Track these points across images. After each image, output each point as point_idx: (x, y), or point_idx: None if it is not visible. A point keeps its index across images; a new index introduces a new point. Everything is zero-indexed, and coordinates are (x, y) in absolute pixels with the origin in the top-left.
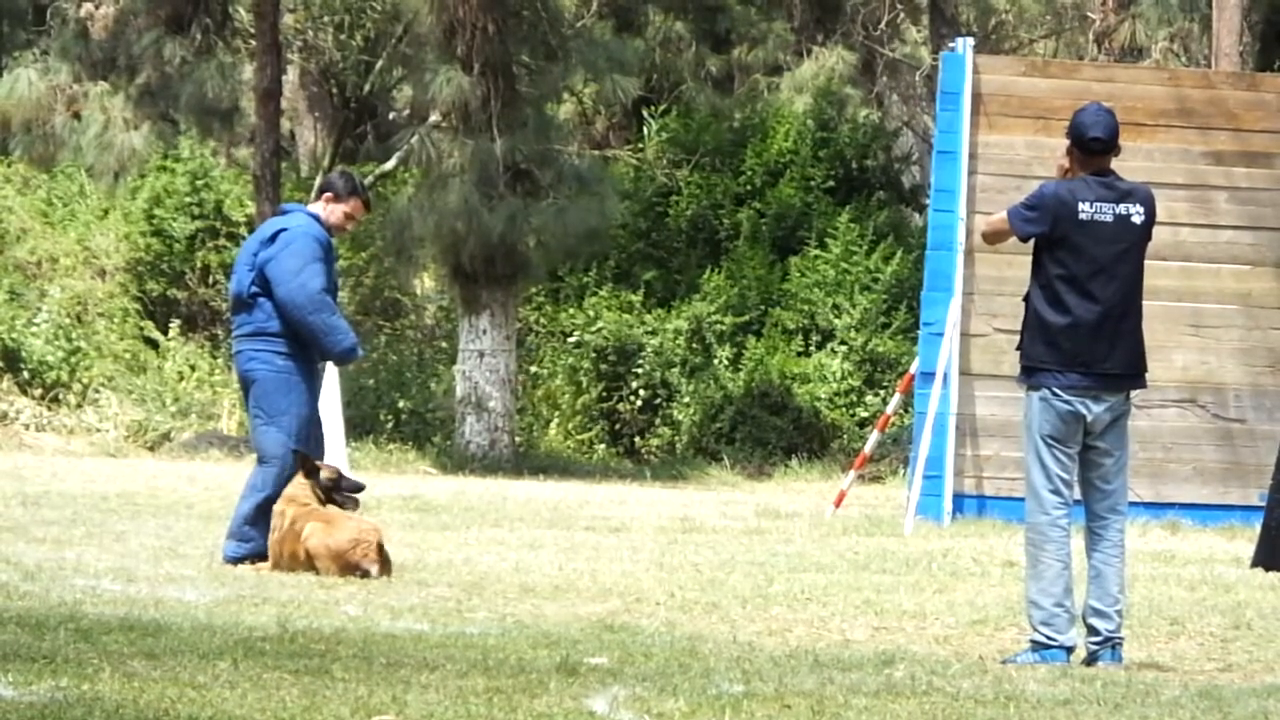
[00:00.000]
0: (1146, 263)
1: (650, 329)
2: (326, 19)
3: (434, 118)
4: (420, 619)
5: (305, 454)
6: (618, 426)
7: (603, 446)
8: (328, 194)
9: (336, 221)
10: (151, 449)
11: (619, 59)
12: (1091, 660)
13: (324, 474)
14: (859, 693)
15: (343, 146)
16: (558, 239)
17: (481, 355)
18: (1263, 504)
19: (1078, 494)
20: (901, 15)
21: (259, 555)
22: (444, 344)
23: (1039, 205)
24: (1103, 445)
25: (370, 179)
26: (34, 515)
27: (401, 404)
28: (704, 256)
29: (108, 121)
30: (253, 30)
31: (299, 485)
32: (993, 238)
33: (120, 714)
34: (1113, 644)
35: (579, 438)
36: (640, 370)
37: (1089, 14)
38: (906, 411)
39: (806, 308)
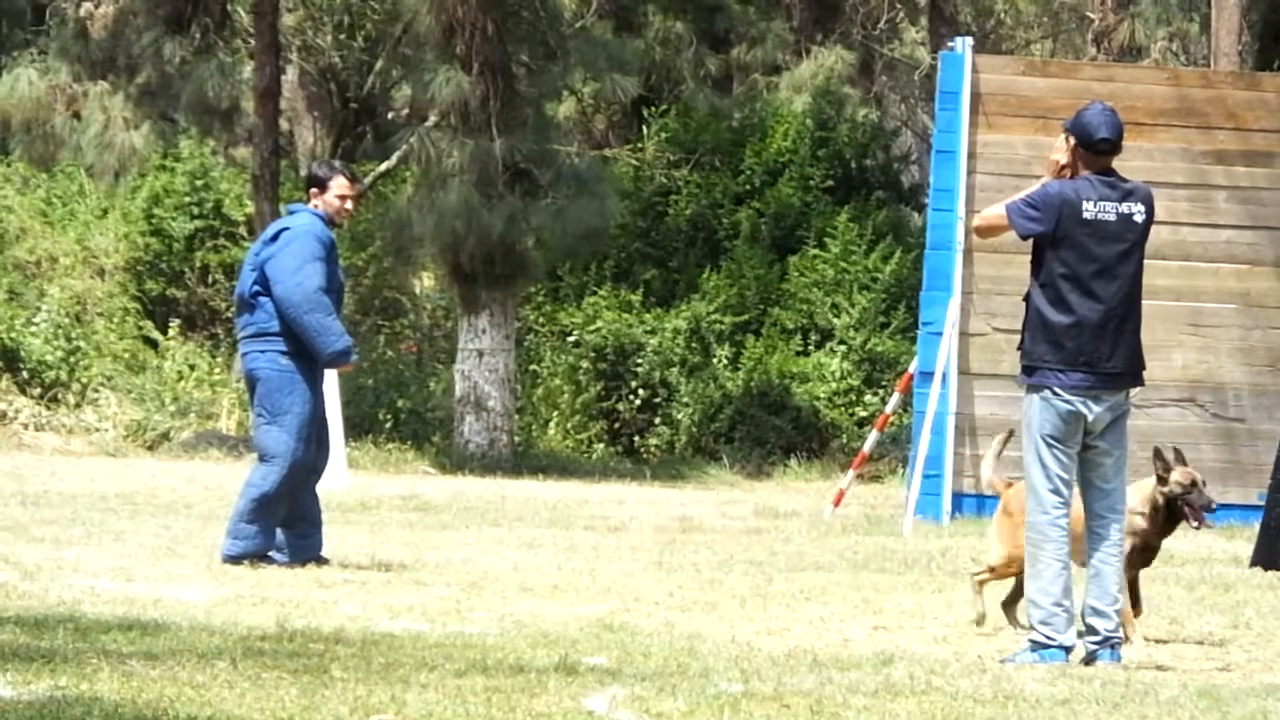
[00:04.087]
0: (1146, 262)
1: (649, 328)
2: (326, 19)
3: (433, 117)
4: (419, 618)
5: (1165, 456)
6: (617, 426)
7: (602, 446)
8: (313, 189)
9: (335, 209)
10: (150, 448)
11: (618, 58)
12: (1090, 659)
13: (1175, 478)
14: (858, 692)
15: (342, 146)
16: (557, 238)
17: (480, 355)
18: (1262, 503)
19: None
20: (900, 15)
21: (257, 553)
22: (443, 343)
23: (1043, 205)
24: (1102, 445)
25: (370, 179)
26: (33, 515)
27: (400, 403)
28: (703, 256)
29: (107, 121)
30: (252, 30)
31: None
32: (987, 232)
33: (119, 713)
34: (1111, 643)
35: (578, 437)
36: (639, 370)
37: (1088, 14)
38: (905, 411)
39: (805, 307)
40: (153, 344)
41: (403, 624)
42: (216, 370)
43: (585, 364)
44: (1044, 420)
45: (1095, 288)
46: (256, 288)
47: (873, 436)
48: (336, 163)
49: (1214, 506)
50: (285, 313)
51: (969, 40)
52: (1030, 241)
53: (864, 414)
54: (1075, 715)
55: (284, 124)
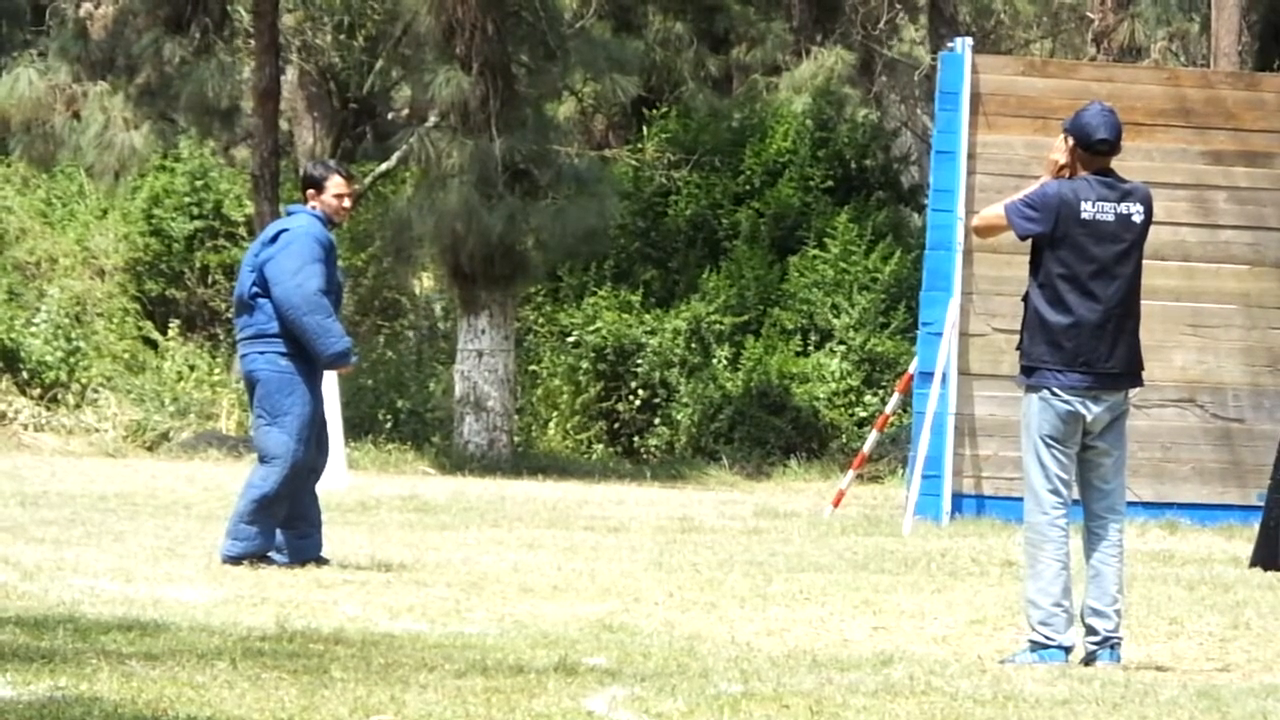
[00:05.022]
0: (1146, 262)
1: (649, 329)
2: (326, 19)
3: (433, 118)
4: (419, 619)
5: None
6: (616, 426)
7: (601, 446)
8: (310, 190)
9: (334, 209)
10: (150, 449)
11: (618, 59)
12: (1090, 660)
13: None
14: (857, 692)
15: (341, 146)
16: (556, 239)
17: (480, 355)
18: (1261, 504)
19: (1076, 494)
20: (900, 15)
21: (257, 554)
22: (443, 344)
23: (1041, 205)
24: (1101, 445)
25: (369, 179)
26: (33, 515)
27: (400, 404)
28: (703, 256)
29: (107, 121)
30: (252, 30)
31: None
32: (985, 231)
33: (119, 713)
34: (1111, 644)
35: (578, 437)
36: (639, 370)
37: (1088, 14)
38: (905, 411)
39: (805, 307)
40: (152, 344)
41: (402, 624)
42: (216, 371)
43: (585, 364)
44: (1043, 420)
45: (1094, 288)
46: (255, 289)
47: (872, 437)
48: (331, 162)
49: None
50: (284, 314)
51: (969, 40)
52: (1029, 242)
53: (864, 414)
54: (1075, 715)
55: (284, 124)
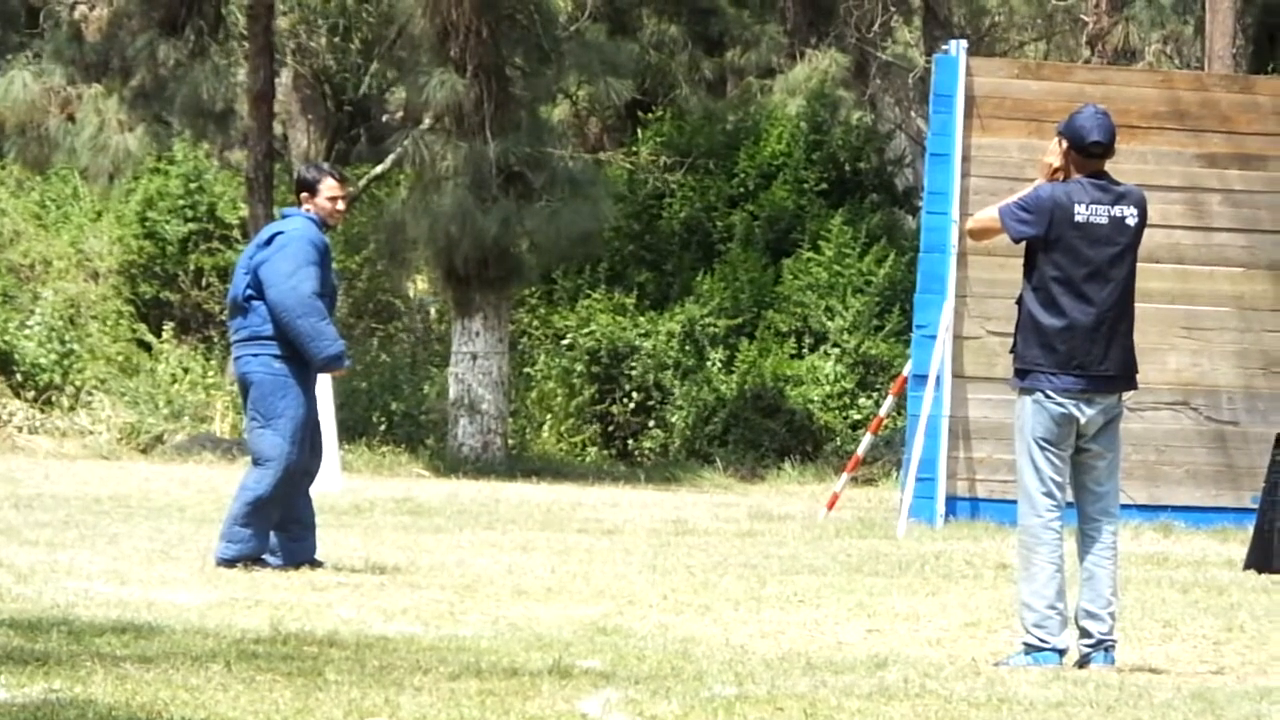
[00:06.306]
0: (1140, 265)
1: (643, 331)
2: (320, 22)
3: (427, 120)
4: (413, 621)
5: None
6: (611, 429)
7: (595, 449)
8: (304, 193)
9: (328, 211)
10: (144, 451)
11: (612, 62)
12: (1084, 663)
13: None
14: (852, 695)
15: (336, 149)
16: (551, 241)
17: (474, 357)
18: (1255, 506)
19: (1070, 496)
20: (894, 17)
21: (251, 557)
22: (437, 346)
23: (1035, 208)
24: (1095, 448)
25: (364, 182)
26: (27, 518)
27: (394, 406)
28: (697, 259)
29: (102, 124)
30: (246, 33)
31: None
32: (980, 234)
33: (113, 716)
34: (1105, 646)
35: (572, 440)
36: (633, 373)
37: (1082, 16)
38: (899, 414)
39: (799, 310)
40: (146, 347)
41: (397, 627)
42: (210, 373)
43: (579, 367)
44: (1036, 423)
45: (1087, 291)
46: (250, 291)
47: (867, 439)
48: (324, 165)
49: None
50: (279, 317)
51: (963, 43)
52: (1023, 245)
53: (858, 417)
54: (1069, 718)
55: (278, 127)
